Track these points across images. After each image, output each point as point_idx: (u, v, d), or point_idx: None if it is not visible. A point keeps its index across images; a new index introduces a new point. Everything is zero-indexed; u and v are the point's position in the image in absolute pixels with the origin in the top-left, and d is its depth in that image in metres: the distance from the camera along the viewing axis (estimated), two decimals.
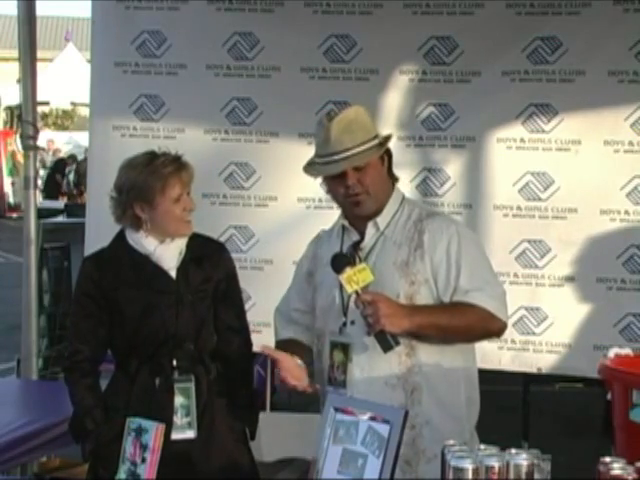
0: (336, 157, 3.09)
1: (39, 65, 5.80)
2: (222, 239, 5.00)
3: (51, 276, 6.57)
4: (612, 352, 3.84)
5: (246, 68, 5.45)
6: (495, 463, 2.44)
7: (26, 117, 5.63)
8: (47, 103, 21.37)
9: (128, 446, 3.00)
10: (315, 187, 5.25)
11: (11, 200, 22.84)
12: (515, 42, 5.12)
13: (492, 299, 3.12)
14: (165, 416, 3.34)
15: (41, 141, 5.85)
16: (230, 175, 5.48)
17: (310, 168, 3.21)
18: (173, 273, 3.49)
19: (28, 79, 5.64)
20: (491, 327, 3.15)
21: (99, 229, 5.44)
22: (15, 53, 5.91)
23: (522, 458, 2.48)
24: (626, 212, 5.02)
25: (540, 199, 5.12)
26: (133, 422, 3.02)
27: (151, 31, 5.53)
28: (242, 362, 3.64)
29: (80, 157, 23.73)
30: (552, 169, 5.11)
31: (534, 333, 5.11)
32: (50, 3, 26.51)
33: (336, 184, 3.15)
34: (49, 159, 24.65)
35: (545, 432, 5.77)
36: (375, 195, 3.15)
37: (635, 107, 5.01)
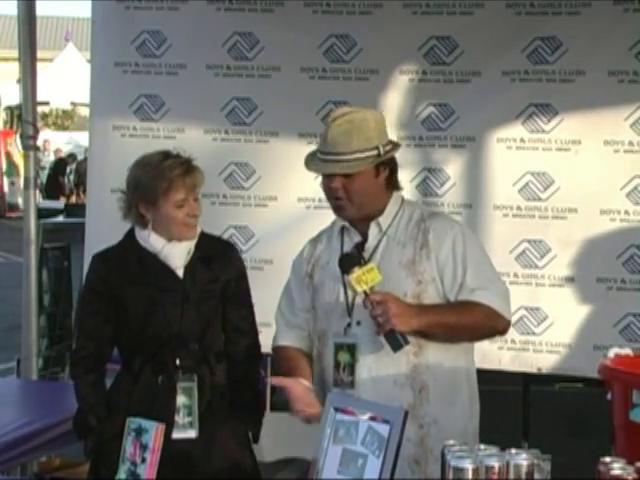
0: (328, 157, 3.10)
1: (39, 65, 5.80)
2: None
3: (51, 276, 6.56)
4: (612, 352, 3.85)
5: (246, 68, 5.45)
6: (495, 463, 2.44)
7: (26, 117, 5.63)
8: (47, 103, 21.38)
9: (128, 446, 3.00)
10: (315, 187, 5.24)
11: (11, 200, 22.86)
12: (515, 42, 5.12)
13: (497, 297, 3.14)
14: (167, 415, 3.34)
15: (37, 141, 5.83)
16: (230, 175, 5.48)
17: (310, 161, 3.20)
18: (180, 272, 3.49)
19: (28, 79, 5.64)
20: (497, 325, 3.18)
21: (99, 229, 5.45)
22: (15, 53, 5.90)
23: (522, 458, 2.48)
24: (626, 212, 5.02)
25: (540, 199, 5.12)
26: (133, 422, 3.02)
27: (151, 31, 5.53)
28: (248, 364, 3.63)
29: (80, 157, 23.77)
30: (552, 169, 5.11)
31: (534, 333, 5.11)
32: (50, 3, 26.52)
33: (325, 184, 3.18)
34: (47, 159, 24.61)
35: (545, 432, 5.76)
36: (359, 204, 3.14)
37: (635, 107, 5.01)
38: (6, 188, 23.24)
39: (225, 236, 5.31)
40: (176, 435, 3.40)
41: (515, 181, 5.15)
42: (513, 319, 3.29)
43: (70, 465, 5.30)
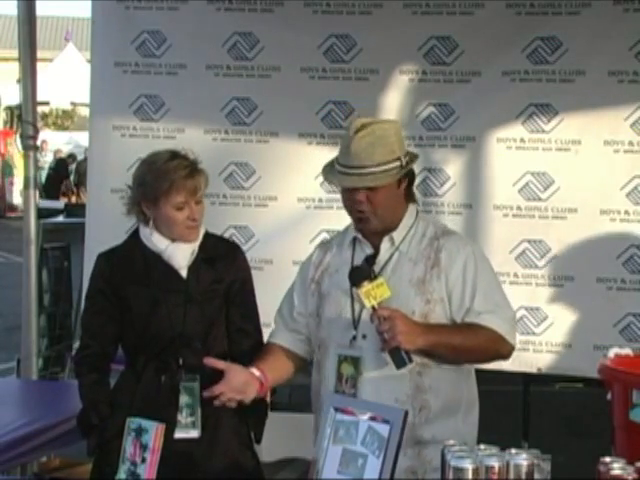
0: (351, 171, 3.07)
1: (39, 65, 5.80)
2: None
3: (51, 276, 6.56)
4: (612, 352, 3.84)
5: (246, 68, 5.45)
6: (495, 463, 2.44)
7: (26, 117, 5.63)
8: (47, 103, 21.37)
9: (128, 446, 3.00)
10: (315, 187, 5.28)
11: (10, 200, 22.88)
12: (515, 42, 5.12)
13: (504, 322, 3.15)
14: (169, 414, 3.36)
15: None
16: (230, 175, 5.48)
17: (328, 172, 3.18)
18: (184, 272, 3.49)
19: (28, 79, 5.63)
20: (501, 350, 3.19)
21: (99, 229, 5.46)
22: (15, 53, 5.90)
23: (522, 458, 2.48)
24: (626, 212, 5.02)
25: (540, 199, 5.12)
26: (133, 422, 3.02)
27: (151, 31, 5.53)
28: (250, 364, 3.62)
29: (80, 157, 23.75)
30: (552, 169, 5.11)
31: (534, 333, 5.11)
32: (50, 3, 26.49)
33: (347, 196, 3.14)
34: (45, 159, 24.58)
35: (545, 432, 5.76)
36: (382, 217, 3.12)
37: (635, 107, 5.01)
38: (6, 188, 23.24)
39: (225, 236, 5.31)
40: (178, 435, 3.40)
41: (515, 181, 5.15)
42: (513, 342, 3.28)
43: (70, 465, 5.30)
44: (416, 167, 5.20)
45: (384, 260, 3.17)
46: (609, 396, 3.66)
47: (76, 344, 6.27)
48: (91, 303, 3.59)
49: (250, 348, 3.59)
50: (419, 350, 3.02)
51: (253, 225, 5.45)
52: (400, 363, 2.98)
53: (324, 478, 2.63)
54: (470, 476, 2.42)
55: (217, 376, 3.48)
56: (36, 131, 5.67)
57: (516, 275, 5.12)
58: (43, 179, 22.50)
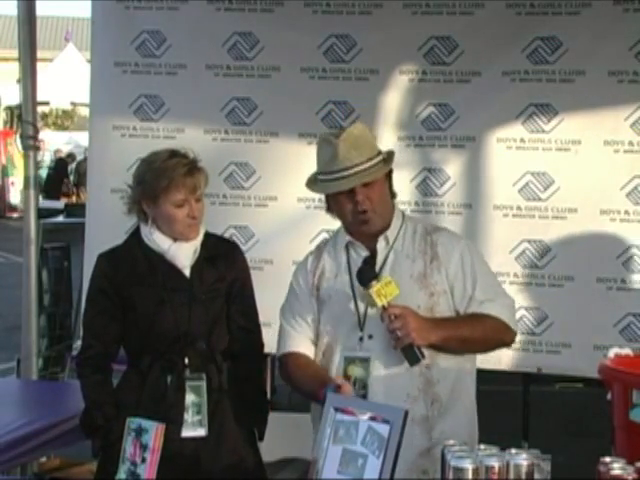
0: (345, 173, 3.10)
1: (39, 65, 5.79)
2: None
3: (51, 276, 6.56)
4: (612, 352, 3.84)
5: (246, 68, 5.45)
6: (495, 463, 2.45)
7: (26, 117, 5.63)
8: (47, 103, 21.34)
9: (128, 446, 3.00)
10: None
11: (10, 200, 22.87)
12: (515, 42, 5.12)
13: (505, 309, 3.21)
14: (176, 413, 3.38)
15: None
16: (230, 175, 5.48)
17: (315, 186, 3.23)
18: (187, 272, 3.50)
19: (28, 79, 5.63)
20: (505, 337, 3.25)
21: (99, 229, 5.46)
22: (15, 53, 5.90)
23: (522, 458, 2.48)
24: (626, 212, 5.02)
25: (540, 199, 5.12)
26: (133, 422, 3.02)
27: (151, 31, 5.53)
28: (252, 362, 3.63)
29: (79, 157, 23.74)
30: (552, 169, 5.11)
31: (534, 333, 5.11)
32: (50, 3, 26.49)
33: (344, 201, 3.16)
34: (43, 159, 24.55)
35: (545, 432, 5.76)
36: (381, 212, 3.18)
37: (635, 107, 5.01)
38: (6, 188, 23.23)
39: (225, 236, 5.32)
40: (185, 433, 3.41)
41: (515, 181, 5.15)
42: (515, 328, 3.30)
43: (70, 465, 5.30)
44: (416, 167, 5.32)
45: (381, 260, 3.20)
46: (609, 396, 3.66)
47: (76, 344, 6.30)
48: (93, 303, 3.60)
49: (251, 346, 3.61)
50: (431, 345, 3.07)
51: (253, 225, 5.45)
52: (414, 360, 3.02)
53: (324, 478, 2.63)
54: (470, 476, 2.42)
55: (221, 375, 3.50)
56: (36, 131, 5.67)
57: (516, 275, 5.13)
58: (43, 179, 22.49)
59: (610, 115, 5.03)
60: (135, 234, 3.58)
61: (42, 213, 6.80)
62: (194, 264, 3.51)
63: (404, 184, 5.17)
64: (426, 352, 3.06)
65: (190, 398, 3.44)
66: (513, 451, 2.53)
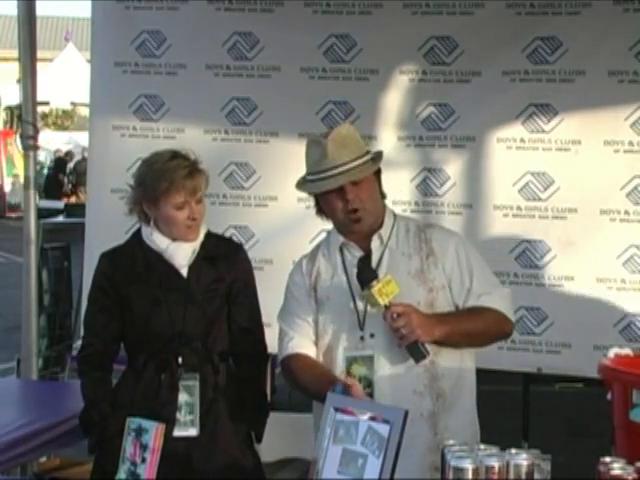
0: (334, 171, 3.12)
1: (39, 65, 5.79)
2: None
3: (51, 276, 6.56)
4: (612, 352, 3.84)
5: (246, 68, 5.45)
6: (495, 463, 2.44)
7: (26, 117, 5.63)
8: (47, 103, 21.34)
9: (128, 446, 3.00)
10: None
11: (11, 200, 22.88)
12: (515, 42, 5.12)
13: (503, 301, 3.23)
14: (168, 412, 3.38)
15: None
16: (230, 175, 5.48)
17: (305, 186, 3.24)
18: (184, 271, 3.50)
19: (28, 79, 5.63)
20: (505, 328, 3.28)
21: (99, 229, 5.46)
22: (15, 53, 5.90)
23: (522, 458, 2.48)
24: (626, 212, 5.02)
25: (540, 199, 5.12)
26: (133, 422, 3.02)
27: (151, 31, 5.53)
28: (253, 364, 3.62)
29: (78, 156, 23.74)
30: (552, 169, 5.11)
31: (534, 333, 5.11)
32: (50, 3, 26.48)
33: (333, 200, 3.17)
34: (41, 159, 24.58)
35: (545, 432, 5.76)
36: (372, 211, 3.19)
37: (635, 107, 5.01)
38: (6, 188, 23.23)
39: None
40: (177, 433, 3.41)
41: (515, 181, 5.15)
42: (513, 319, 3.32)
43: (70, 465, 5.30)
44: (416, 167, 5.32)
45: (377, 259, 3.21)
46: (609, 396, 3.66)
47: (76, 344, 6.30)
48: (94, 302, 3.61)
49: (252, 347, 3.60)
50: (434, 340, 3.08)
51: (253, 225, 5.46)
52: (419, 356, 3.03)
53: (324, 478, 2.63)
54: (470, 476, 2.42)
55: (217, 376, 3.49)
56: (36, 131, 5.66)
57: (516, 275, 5.13)
58: (42, 179, 22.50)
59: (610, 115, 5.03)
60: (137, 234, 3.59)
61: (42, 213, 6.81)
62: (192, 264, 3.51)
63: (404, 184, 5.18)
64: (429, 348, 3.07)
65: (183, 397, 3.44)
66: (513, 451, 2.52)
